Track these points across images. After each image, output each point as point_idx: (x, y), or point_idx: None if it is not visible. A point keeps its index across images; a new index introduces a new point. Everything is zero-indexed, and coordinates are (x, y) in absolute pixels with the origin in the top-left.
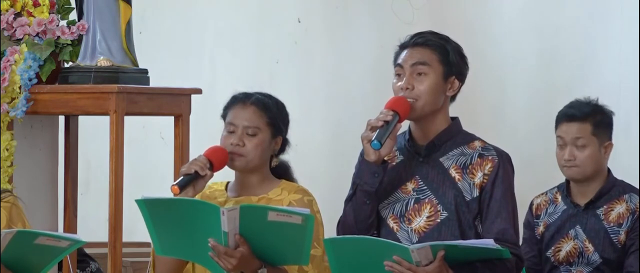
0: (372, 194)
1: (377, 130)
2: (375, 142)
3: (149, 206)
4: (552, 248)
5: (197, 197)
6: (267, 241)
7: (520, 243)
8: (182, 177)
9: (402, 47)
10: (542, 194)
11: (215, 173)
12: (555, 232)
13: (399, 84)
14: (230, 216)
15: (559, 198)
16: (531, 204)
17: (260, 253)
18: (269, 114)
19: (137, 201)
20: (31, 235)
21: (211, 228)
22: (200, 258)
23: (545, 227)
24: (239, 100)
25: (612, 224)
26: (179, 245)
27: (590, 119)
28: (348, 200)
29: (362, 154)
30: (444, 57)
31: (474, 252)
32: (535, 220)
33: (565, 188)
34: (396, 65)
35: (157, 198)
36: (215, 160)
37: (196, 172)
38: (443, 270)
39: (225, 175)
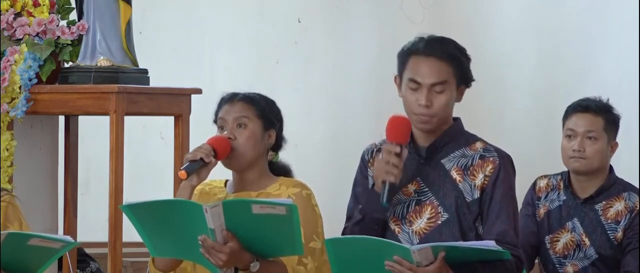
0: (382, 220)
1: (385, 189)
2: (384, 203)
3: (134, 211)
4: (550, 236)
5: (198, 194)
6: (257, 234)
7: (520, 220)
8: (188, 163)
9: (412, 53)
10: (546, 177)
11: (215, 174)
12: (554, 221)
13: (417, 101)
14: (214, 212)
15: (561, 186)
16: (534, 183)
17: (252, 247)
18: (258, 107)
19: (122, 207)
20: (23, 237)
21: (198, 226)
22: (195, 256)
23: (545, 212)
24: (227, 99)
25: (609, 221)
26: (172, 246)
27: (603, 114)
28: (355, 224)
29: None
30: (458, 69)
31: (474, 253)
32: (536, 201)
33: (567, 180)
34: (411, 79)
35: (140, 202)
36: (219, 148)
37: (202, 158)
38: (443, 271)
39: (225, 174)
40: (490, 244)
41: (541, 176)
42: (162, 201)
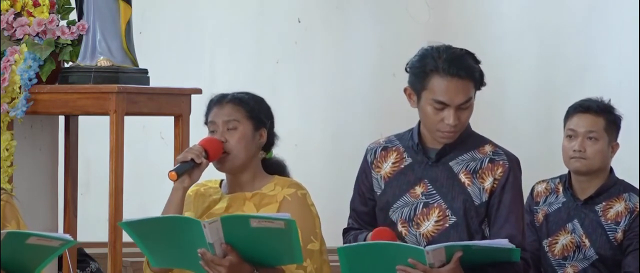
0: None
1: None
2: None
3: (133, 227)
4: (549, 239)
5: (193, 195)
6: (256, 246)
7: None
8: (179, 164)
9: (432, 71)
10: (544, 182)
11: (211, 175)
12: (553, 223)
13: (445, 120)
14: (212, 228)
15: (560, 189)
16: (532, 189)
17: (252, 258)
18: (247, 107)
19: (121, 224)
20: (22, 236)
21: (197, 240)
22: (196, 267)
23: (544, 215)
24: (216, 101)
25: (609, 221)
26: (172, 258)
27: (604, 114)
28: (356, 238)
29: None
30: (478, 81)
31: (487, 252)
32: (534, 207)
33: (567, 181)
34: (436, 100)
35: (139, 220)
36: (210, 149)
37: (193, 159)
38: (457, 272)
39: (221, 174)
40: (503, 242)
41: (539, 181)
42: (160, 218)
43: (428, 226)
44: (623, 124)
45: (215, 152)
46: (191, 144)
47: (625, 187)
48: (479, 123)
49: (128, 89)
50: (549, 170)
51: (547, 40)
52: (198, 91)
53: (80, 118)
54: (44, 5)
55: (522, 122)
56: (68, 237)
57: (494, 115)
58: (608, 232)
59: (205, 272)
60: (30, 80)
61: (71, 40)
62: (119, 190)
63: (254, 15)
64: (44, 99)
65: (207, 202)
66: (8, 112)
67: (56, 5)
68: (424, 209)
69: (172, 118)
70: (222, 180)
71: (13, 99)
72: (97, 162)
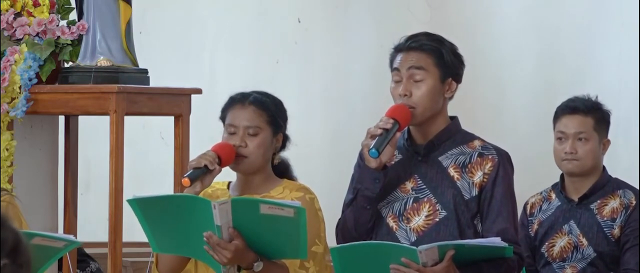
0: (373, 199)
1: (376, 139)
2: (373, 150)
3: (140, 205)
4: (546, 243)
5: (200, 196)
6: (262, 234)
7: None
8: (191, 170)
9: (397, 50)
10: (536, 194)
11: (219, 176)
12: (549, 227)
13: (398, 90)
14: (222, 209)
15: (553, 195)
16: (525, 204)
17: (256, 247)
18: (269, 113)
19: (129, 201)
20: (27, 236)
21: (205, 223)
22: (198, 253)
23: (539, 223)
24: (238, 100)
25: (605, 218)
26: (175, 242)
27: (592, 113)
28: (348, 205)
29: (361, 158)
30: (439, 59)
31: (479, 250)
32: (529, 219)
33: (559, 185)
34: (393, 69)
35: (148, 197)
36: (223, 155)
37: (206, 165)
38: (451, 271)
39: (227, 174)
40: (495, 241)
41: (531, 196)
42: (169, 196)
43: (418, 221)
44: (623, 124)
45: (228, 158)
46: (191, 144)
47: (619, 184)
48: (478, 122)
49: (128, 89)
50: (548, 169)
51: (547, 40)
52: (198, 91)
53: (80, 118)
54: (44, 5)
55: (522, 122)
56: (72, 238)
57: (494, 115)
58: (604, 229)
59: (208, 258)
60: (30, 80)
61: (71, 40)
62: (119, 190)
63: (254, 15)
64: (44, 99)
65: None
66: (8, 112)
67: (56, 5)
68: (414, 204)
69: (172, 118)
70: (229, 182)
71: (13, 99)
72: (97, 162)
